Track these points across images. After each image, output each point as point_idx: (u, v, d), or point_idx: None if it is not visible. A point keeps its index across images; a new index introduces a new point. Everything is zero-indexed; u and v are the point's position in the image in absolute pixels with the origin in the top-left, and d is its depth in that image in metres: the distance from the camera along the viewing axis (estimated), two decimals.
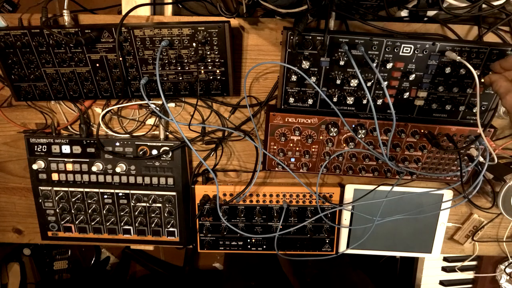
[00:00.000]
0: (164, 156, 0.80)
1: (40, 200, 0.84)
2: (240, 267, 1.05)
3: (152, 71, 0.69)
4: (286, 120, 0.72)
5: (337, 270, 1.01)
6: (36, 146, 0.80)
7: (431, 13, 0.72)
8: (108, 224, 0.87)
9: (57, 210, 0.85)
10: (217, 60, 0.67)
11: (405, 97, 0.68)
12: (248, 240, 0.90)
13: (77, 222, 0.86)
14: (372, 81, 0.66)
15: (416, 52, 0.63)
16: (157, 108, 0.77)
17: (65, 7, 0.66)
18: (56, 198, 0.84)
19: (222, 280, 1.05)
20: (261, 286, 0.96)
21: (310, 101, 0.69)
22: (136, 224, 0.86)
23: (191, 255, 1.78)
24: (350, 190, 0.85)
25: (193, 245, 0.91)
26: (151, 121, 0.81)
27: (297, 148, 0.76)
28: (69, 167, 0.81)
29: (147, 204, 0.84)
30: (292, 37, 0.59)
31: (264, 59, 0.73)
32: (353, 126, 0.72)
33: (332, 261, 0.89)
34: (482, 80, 0.61)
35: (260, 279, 0.99)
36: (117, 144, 0.79)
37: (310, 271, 1.04)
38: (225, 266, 1.13)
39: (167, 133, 0.81)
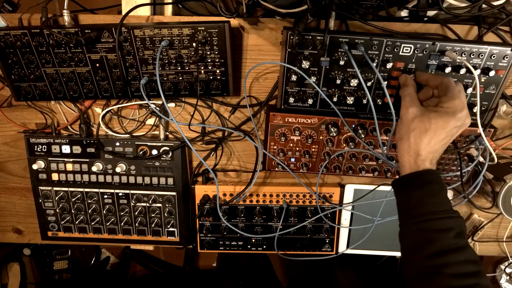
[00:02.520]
0: (164, 156, 0.80)
1: (40, 200, 0.84)
2: (231, 267, 1.05)
3: (152, 71, 0.69)
4: (286, 120, 0.72)
5: (324, 267, 1.01)
6: (36, 146, 0.80)
7: (431, 13, 0.72)
8: (108, 224, 0.86)
9: (57, 210, 0.85)
10: (217, 60, 0.67)
11: None
12: (248, 240, 0.90)
13: (77, 222, 0.86)
14: (372, 81, 0.66)
15: (416, 52, 0.63)
16: (157, 108, 0.77)
17: (65, 7, 0.66)
18: (56, 198, 0.84)
19: (213, 281, 1.05)
20: (249, 286, 0.96)
21: (310, 101, 0.69)
22: (136, 224, 0.86)
23: (191, 255, 1.78)
24: (350, 190, 0.85)
25: (193, 245, 0.91)
26: (151, 121, 0.81)
27: (297, 148, 0.76)
28: (69, 167, 0.81)
29: (147, 204, 0.84)
30: (292, 37, 0.59)
31: (264, 59, 0.73)
32: (353, 126, 0.72)
33: (322, 260, 0.90)
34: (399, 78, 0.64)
35: (248, 278, 1.00)
36: (117, 144, 0.79)
37: (297, 268, 1.04)
38: (217, 266, 1.13)
39: (167, 133, 0.81)
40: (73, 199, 0.84)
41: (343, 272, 0.99)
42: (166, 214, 0.85)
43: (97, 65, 0.68)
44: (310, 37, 0.62)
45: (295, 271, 1.06)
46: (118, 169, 0.80)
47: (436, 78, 0.58)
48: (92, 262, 1.68)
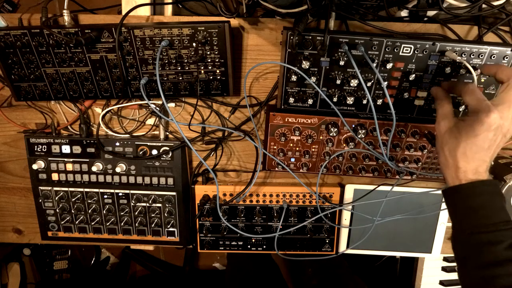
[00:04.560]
0: (164, 156, 0.80)
1: (40, 200, 0.84)
2: (240, 275, 1.05)
3: (152, 71, 0.69)
4: (286, 120, 0.72)
5: (337, 281, 1.00)
6: (36, 146, 0.80)
7: (431, 13, 0.72)
8: (108, 224, 0.86)
9: (57, 210, 0.85)
10: (217, 60, 0.67)
11: (405, 97, 0.68)
12: (248, 240, 0.90)
13: (77, 222, 0.86)
14: (372, 81, 0.66)
15: (416, 52, 0.63)
16: (157, 108, 0.77)
17: (65, 7, 0.66)
18: (56, 198, 0.84)
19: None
20: None
21: (310, 101, 0.69)
22: (136, 224, 0.86)
23: (191, 255, 1.78)
24: (350, 190, 0.85)
25: (193, 245, 0.91)
26: (151, 121, 0.81)
27: (297, 148, 0.76)
28: (69, 167, 0.81)
29: (147, 204, 0.84)
30: (292, 37, 0.59)
31: (264, 59, 0.73)
32: (353, 126, 0.72)
33: (333, 270, 0.89)
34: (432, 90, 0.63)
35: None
36: (117, 144, 0.79)
37: (309, 282, 1.03)
38: (227, 273, 1.13)
39: (167, 133, 0.81)
40: (73, 199, 0.84)
41: (355, 284, 0.98)
42: (166, 214, 0.85)
43: (97, 65, 0.68)
44: (310, 37, 0.62)
45: (307, 286, 1.05)
46: (118, 169, 0.80)
47: (459, 87, 0.57)
48: (92, 262, 1.69)
